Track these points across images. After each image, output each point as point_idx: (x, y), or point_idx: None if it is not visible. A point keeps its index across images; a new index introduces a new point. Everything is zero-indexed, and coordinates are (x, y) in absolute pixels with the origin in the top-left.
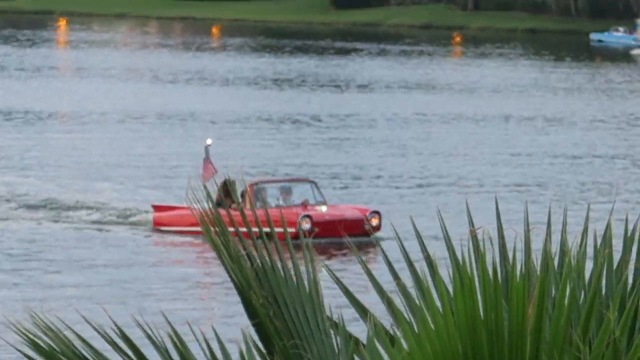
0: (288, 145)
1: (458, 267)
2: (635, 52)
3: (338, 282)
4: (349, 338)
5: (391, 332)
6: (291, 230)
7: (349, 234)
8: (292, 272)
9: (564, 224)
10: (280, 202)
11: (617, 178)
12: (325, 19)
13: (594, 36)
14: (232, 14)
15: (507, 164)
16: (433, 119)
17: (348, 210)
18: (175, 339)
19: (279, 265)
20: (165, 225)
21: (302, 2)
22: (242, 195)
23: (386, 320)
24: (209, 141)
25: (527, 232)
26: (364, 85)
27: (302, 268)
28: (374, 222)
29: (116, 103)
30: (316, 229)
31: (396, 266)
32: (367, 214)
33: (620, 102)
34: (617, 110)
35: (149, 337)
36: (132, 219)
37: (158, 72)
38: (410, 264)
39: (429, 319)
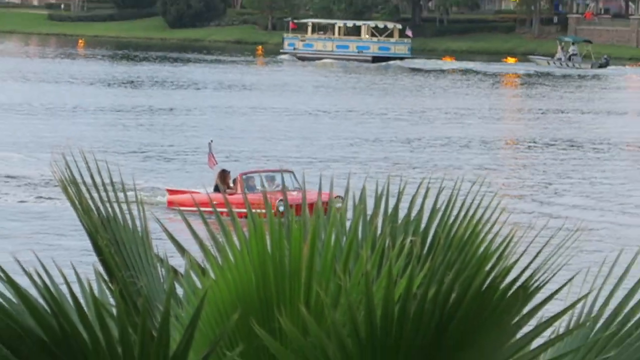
0: (141, 129)
1: (252, 216)
2: (282, 57)
3: (164, 229)
4: (171, 270)
5: (203, 265)
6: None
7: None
8: (129, 222)
9: (331, 187)
10: (264, 188)
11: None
12: (162, 35)
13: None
14: (93, 32)
15: (311, 144)
16: (245, 111)
17: (317, 195)
18: (42, 271)
19: (120, 217)
20: (177, 205)
21: (145, 22)
22: (234, 182)
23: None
24: (211, 139)
25: (304, 192)
26: (192, 85)
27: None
28: (338, 205)
29: (8, 98)
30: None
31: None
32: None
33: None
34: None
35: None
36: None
37: (38, 75)
38: (216, 214)
39: (230, 255)
